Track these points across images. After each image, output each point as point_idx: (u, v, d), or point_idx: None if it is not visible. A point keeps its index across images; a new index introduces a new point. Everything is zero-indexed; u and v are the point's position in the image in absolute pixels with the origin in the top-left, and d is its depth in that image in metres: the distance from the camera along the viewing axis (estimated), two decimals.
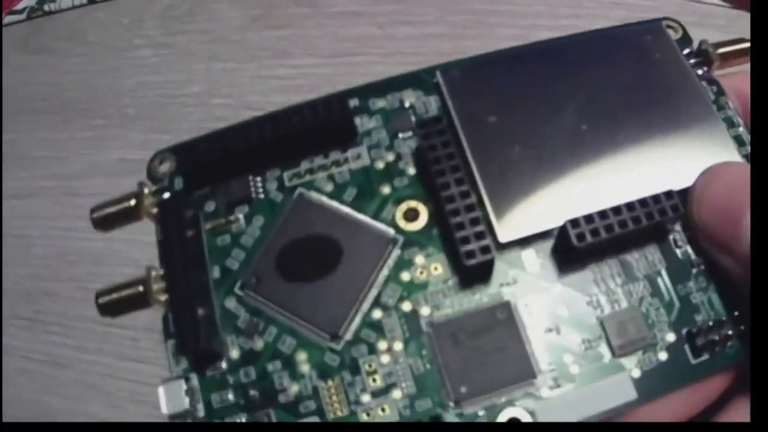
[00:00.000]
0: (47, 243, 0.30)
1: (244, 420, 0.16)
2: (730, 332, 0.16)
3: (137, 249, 0.28)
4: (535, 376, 0.16)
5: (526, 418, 0.15)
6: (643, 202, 0.16)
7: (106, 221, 0.19)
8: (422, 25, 0.30)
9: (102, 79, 0.33)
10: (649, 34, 0.19)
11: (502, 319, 0.16)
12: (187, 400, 0.16)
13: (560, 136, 0.17)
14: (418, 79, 0.19)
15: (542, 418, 0.15)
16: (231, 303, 0.17)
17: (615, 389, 0.16)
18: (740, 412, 0.16)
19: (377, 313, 0.17)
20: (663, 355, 0.16)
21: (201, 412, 0.16)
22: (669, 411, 0.16)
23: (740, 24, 0.29)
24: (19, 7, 0.38)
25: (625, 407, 0.16)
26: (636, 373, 0.16)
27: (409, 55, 0.29)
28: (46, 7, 0.37)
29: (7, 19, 0.38)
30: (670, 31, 0.19)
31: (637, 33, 0.19)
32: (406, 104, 0.19)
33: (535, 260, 0.17)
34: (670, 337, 0.16)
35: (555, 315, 0.16)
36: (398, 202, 0.18)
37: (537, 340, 0.16)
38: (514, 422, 0.15)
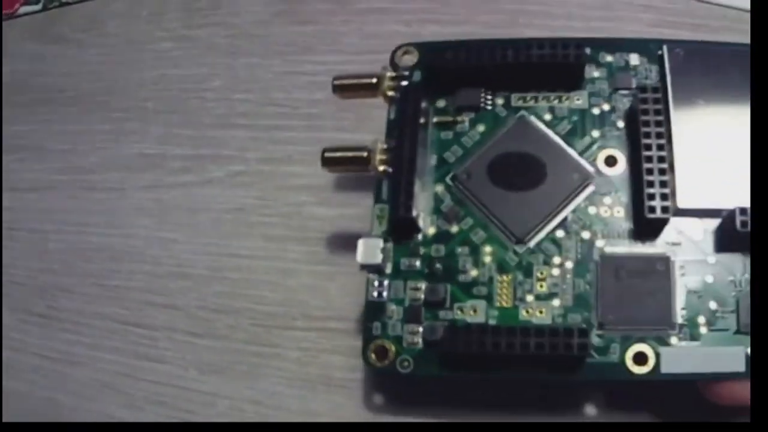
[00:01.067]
0: (62, 238, 0.29)
1: (422, 287, 0.19)
2: None
3: (156, 246, 0.27)
4: (670, 324, 0.18)
5: (651, 355, 0.18)
6: None
7: (344, 89, 0.22)
8: (450, 24, 0.30)
9: (121, 72, 0.32)
10: None
11: (660, 270, 0.19)
12: (380, 256, 0.20)
13: (749, 132, 0.19)
14: (646, 47, 0.22)
15: (664, 361, 0.18)
16: (439, 188, 0.21)
17: (729, 358, 0.18)
18: None
19: (560, 233, 0.20)
20: None
21: (388, 269, 0.20)
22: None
23: None
24: None
25: (731, 376, 0.18)
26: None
27: None
28: None
29: (22, 9, 0.37)
30: None
31: None
32: (631, 65, 0.21)
33: (701, 230, 0.19)
34: None
35: (702, 281, 0.19)
36: (602, 147, 0.21)
37: (681, 296, 0.19)
38: (640, 354, 0.18)
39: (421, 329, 0.19)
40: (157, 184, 0.29)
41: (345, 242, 0.25)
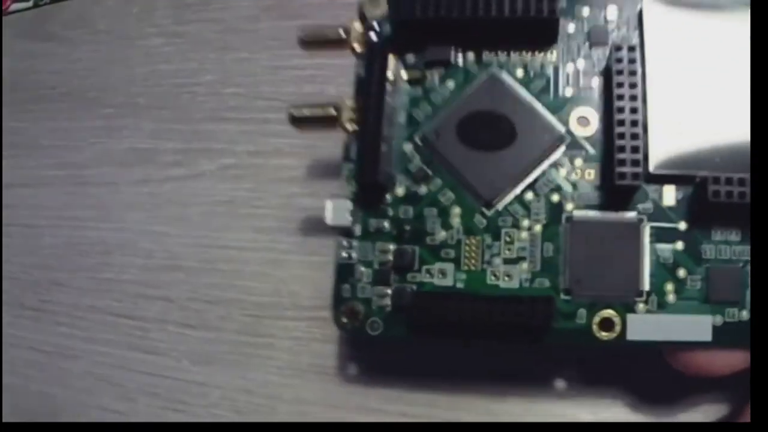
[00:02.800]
0: (56, 233, 0.29)
1: (392, 248, 0.19)
2: None
3: (148, 239, 0.28)
4: (638, 291, 0.18)
5: (617, 322, 0.18)
6: None
7: (312, 44, 0.21)
8: None
9: (112, 68, 0.32)
10: None
11: (628, 236, 0.18)
12: (349, 218, 0.19)
13: (731, 96, 0.19)
14: (626, 1, 0.20)
15: (630, 327, 0.18)
16: (408, 148, 0.20)
17: (696, 327, 0.18)
18: None
19: (529, 196, 0.19)
20: (745, 315, 0.18)
21: (358, 232, 0.20)
22: (729, 359, 0.18)
23: None
24: None
25: (697, 344, 0.18)
26: (718, 321, 0.18)
27: None
28: None
29: (13, 7, 0.37)
30: None
31: None
32: (608, 20, 0.20)
33: (673, 196, 0.19)
34: None
35: (672, 248, 0.19)
36: (575, 107, 0.20)
37: (650, 263, 0.19)
38: (607, 320, 0.18)
39: (389, 291, 0.19)
40: (149, 179, 0.29)
41: (334, 233, 0.25)
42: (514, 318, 0.17)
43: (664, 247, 0.19)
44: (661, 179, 0.19)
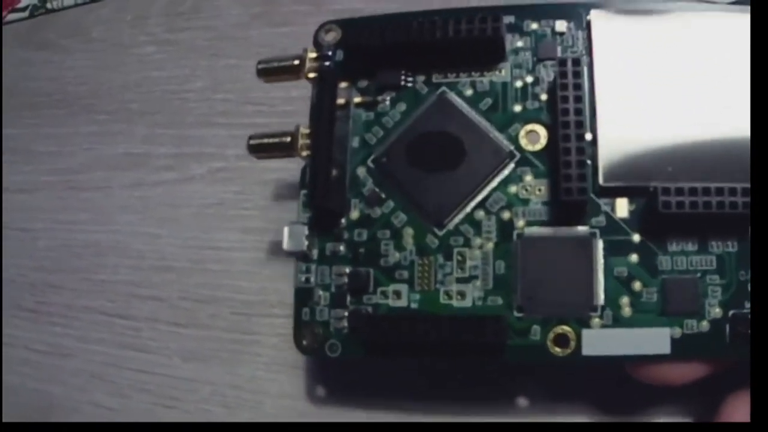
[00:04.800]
0: (51, 236, 0.30)
1: (347, 271, 0.20)
2: None
3: (140, 241, 0.29)
4: (592, 305, 0.18)
5: (572, 337, 0.18)
6: (732, 190, 0.17)
7: (269, 72, 0.22)
8: None
9: (106, 75, 0.33)
10: None
11: (581, 251, 0.18)
12: (306, 243, 0.20)
13: (685, 99, 0.18)
14: (574, 12, 0.20)
15: (586, 343, 0.18)
16: (361, 171, 0.20)
17: (654, 340, 0.18)
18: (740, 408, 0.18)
19: (479, 214, 0.19)
20: (705, 326, 0.18)
21: (314, 256, 0.20)
22: (687, 370, 0.18)
23: None
24: (22, 5, 0.38)
25: (655, 358, 0.18)
26: (677, 333, 0.18)
27: None
28: (48, 5, 0.37)
29: (9, 17, 0.38)
30: None
31: None
32: (556, 31, 0.20)
33: (626, 209, 0.19)
34: (717, 312, 0.18)
35: (626, 261, 0.18)
36: (525, 122, 0.20)
37: (604, 277, 0.18)
38: (562, 336, 0.18)
39: (346, 314, 0.19)
40: (142, 182, 0.30)
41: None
42: (466, 337, 0.18)
43: (618, 260, 0.18)
44: (612, 192, 0.18)
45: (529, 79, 0.20)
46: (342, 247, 0.20)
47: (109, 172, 0.30)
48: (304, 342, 0.20)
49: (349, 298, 0.20)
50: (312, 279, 0.20)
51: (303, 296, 0.20)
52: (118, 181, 0.30)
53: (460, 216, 0.20)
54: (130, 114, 0.32)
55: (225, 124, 0.30)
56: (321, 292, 0.20)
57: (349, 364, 0.23)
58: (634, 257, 0.18)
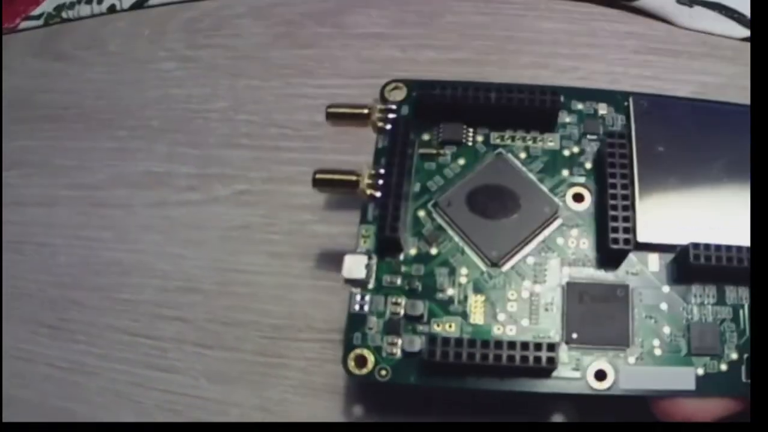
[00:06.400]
0: (71, 252, 0.30)
1: (402, 302, 0.21)
2: None
3: (164, 261, 0.29)
4: (628, 345, 0.20)
5: (610, 372, 0.20)
6: (747, 249, 0.20)
7: (337, 117, 0.24)
8: (444, 49, 0.31)
9: (125, 90, 0.33)
10: None
11: (620, 296, 0.21)
12: (365, 272, 0.21)
13: (705, 179, 0.22)
14: (614, 98, 0.24)
15: (622, 377, 0.20)
16: (422, 213, 0.23)
17: (681, 377, 0.20)
18: None
19: (530, 260, 0.22)
20: (724, 367, 0.20)
21: (371, 285, 0.22)
22: (709, 407, 0.20)
23: (746, 55, 0.30)
24: (36, 12, 0.38)
25: (682, 393, 0.20)
26: (700, 371, 0.20)
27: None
28: (63, 14, 0.37)
29: (23, 24, 0.38)
30: None
31: None
32: (599, 114, 0.24)
33: (658, 263, 0.21)
34: (734, 355, 0.20)
35: (657, 308, 0.21)
36: (571, 185, 0.23)
37: (638, 320, 0.21)
38: (600, 371, 0.20)
39: (400, 341, 0.21)
40: (164, 202, 0.30)
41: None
42: (521, 362, 0.19)
43: (651, 306, 0.21)
44: (647, 247, 0.21)
45: (576, 149, 0.23)
46: (399, 280, 0.22)
47: (130, 190, 0.31)
48: (353, 364, 0.21)
49: (403, 326, 0.21)
50: (366, 307, 0.21)
51: (356, 322, 0.21)
52: (140, 199, 0.30)
53: (514, 260, 0.22)
54: (151, 131, 0.32)
55: (248, 146, 0.30)
56: (375, 319, 0.21)
57: (384, 391, 0.24)
58: (664, 305, 0.21)
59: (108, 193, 0.31)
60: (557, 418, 0.23)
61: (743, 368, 0.20)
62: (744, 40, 0.31)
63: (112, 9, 0.36)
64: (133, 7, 0.36)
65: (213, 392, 0.26)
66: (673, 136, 0.23)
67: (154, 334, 0.27)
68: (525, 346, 0.19)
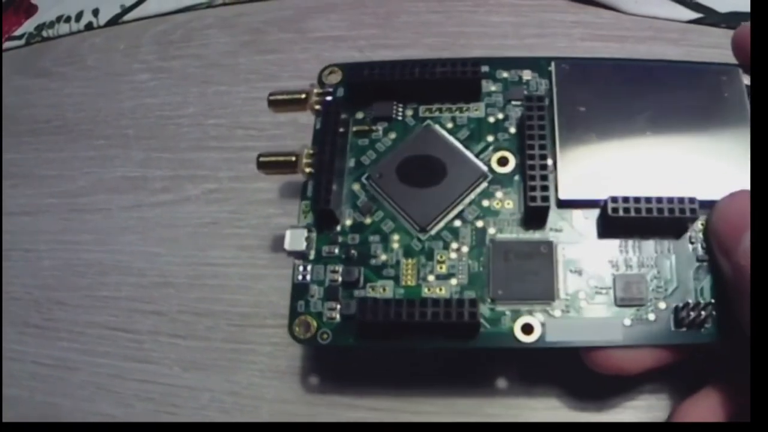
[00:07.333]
0: (54, 256, 0.32)
1: (340, 270, 0.22)
2: (708, 318, 0.21)
3: (141, 259, 0.30)
4: (553, 299, 0.21)
5: (537, 326, 0.21)
6: (670, 199, 0.21)
7: (278, 104, 0.26)
8: (400, 47, 0.33)
9: (102, 102, 0.35)
10: (725, 75, 0.23)
11: (544, 253, 0.22)
12: (305, 244, 0.23)
13: (628, 135, 0.23)
14: (537, 64, 0.25)
15: (549, 330, 0.21)
16: (356, 187, 0.24)
17: (607, 328, 0.21)
18: (710, 398, 0.21)
19: (457, 223, 0.23)
20: (651, 316, 0.21)
21: (311, 256, 0.23)
22: (638, 358, 0.21)
23: (691, 37, 0.31)
24: (18, 33, 0.40)
25: (608, 344, 0.21)
26: (627, 322, 0.21)
27: None
28: (44, 33, 0.39)
29: (6, 44, 0.40)
30: (745, 77, 0.23)
31: (716, 72, 0.24)
32: (524, 80, 0.25)
33: (582, 219, 0.22)
34: (662, 305, 0.21)
35: (582, 261, 0.22)
36: (496, 150, 0.24)
37: (563, 275, 0.22)
38: (527, 325, 0.21)
39: (338, 306, 0.22)
40: (140, 204, 0.31)
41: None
42: (445, 318, 0.20)
43: (575, 261, 0.22)
44: (569, 204, 0.22)
45: (500, 115, 0.24)
46: (336, 249, 0.23)
47: (109, 195, 0.32)
48: (297, 330, 0.22)
49: (341, 292, 0.22)
50: (308, 276, 0.23)
51: (299, 291, 0.23)
52: (117, 203, 0.32)
53: (441, 224, 0.23)
54: (127, 139, 0.34)
55: (217, 148, 0.32)
56: (316, 287, 0.22)
57: (341, 367, 0.26)
58: (589, 260, 0.22)
59: (88, 199, 0.33)
60: (501, 382, 0.25)
61: (671, 317, 0.21)
62: (690, 22, 0.32)
63: (89, 26, 0.38)
64: (108, 24, 0.38)
65: (186, 380, 0.27)
66: (595, 96, 0.23)
67: (132, 328, 0.29)
68: (448, 302, 0.20)
